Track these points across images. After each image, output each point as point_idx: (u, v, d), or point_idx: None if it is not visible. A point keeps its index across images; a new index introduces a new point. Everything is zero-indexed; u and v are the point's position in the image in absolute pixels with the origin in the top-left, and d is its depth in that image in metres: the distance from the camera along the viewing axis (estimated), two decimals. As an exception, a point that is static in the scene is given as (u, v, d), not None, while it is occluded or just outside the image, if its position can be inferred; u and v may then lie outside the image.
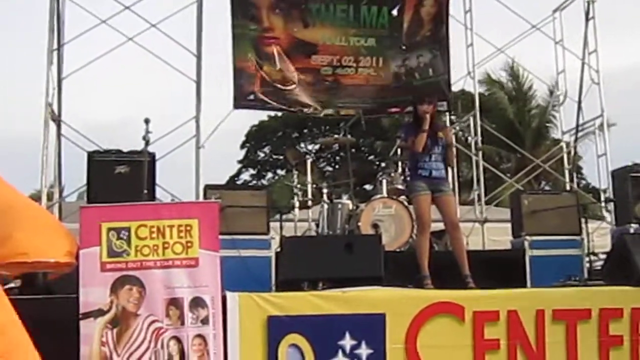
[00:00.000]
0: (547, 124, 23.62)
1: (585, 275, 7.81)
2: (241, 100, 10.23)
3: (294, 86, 10.42)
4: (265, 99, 10.33)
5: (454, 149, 8.21)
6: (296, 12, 10.53)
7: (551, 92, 21.69)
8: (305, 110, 10.75)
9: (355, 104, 10.66)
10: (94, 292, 5.41)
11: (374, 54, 10.70)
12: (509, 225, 8.80)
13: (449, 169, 8.28)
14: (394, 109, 11.04)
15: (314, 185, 9.24)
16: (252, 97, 10.27)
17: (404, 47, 10.78)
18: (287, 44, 10.47)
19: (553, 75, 12.30)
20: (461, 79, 11.32)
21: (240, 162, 30.69)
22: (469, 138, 11.69)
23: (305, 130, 29.92)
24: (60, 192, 9.81)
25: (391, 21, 10.76)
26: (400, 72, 10.78)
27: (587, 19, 10.71)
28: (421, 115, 7.32)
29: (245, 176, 30.56)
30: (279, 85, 10.36)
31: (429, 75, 10.76)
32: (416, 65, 10.77)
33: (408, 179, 8.02)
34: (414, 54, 10.78)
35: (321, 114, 10.77)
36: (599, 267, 8.12)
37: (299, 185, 9.14)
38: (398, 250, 8.16)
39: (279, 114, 29.49)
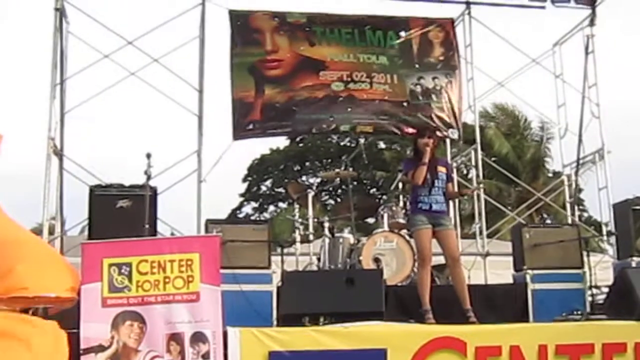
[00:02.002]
0: (544, 158, 23.76)
1: (588, 309, 7.79)
2: (240, 131, 10.00)
3: (302, 104, 10.22)
4: (266, 124, 10.14)
5: (455, 183, 8.21)
6: (301, 33, 10.41)
7: (542, 127, 22.19)
8: (314, 129, 10.61)
9: (371, 119, 10.43)
10: (95, 327, 5.42)
11: (388, 71, 10.51)
12: (510, 258, 8.78)
13: (450, 203, 8.27)
14: (410, 130, 10.46)
15: (316, 219, 9.21)
16: (251, 126, 10.05)
17: (417, 66, 10.64)
18: (293, 63, 10.28)
19: (548, 109, 12.26)
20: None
21: (242, 195, 30.74)
22: (471, 172, 11.66)
23: (307, 164, 30.00)
24: (62, 225, 9.79)
25: (399, 43, 10.64)
26: (417, 90, 10.57)
27: (586, 53, 10.77)
28: (421, 148, 7.35)
29: (247, 209, 30.61)
30: (283, 107, 10.14)
31: (445, 100, 10.62)
32: (432, 86, 10.59)
33: (409, 212, 8.02)
34: (429, 75, 10.62)
35: (335, 129, 10.57)
36: (601, 301, 8.10)
37: (300, 219, 9.14)
38: (399, 284, 8.13)
39: (281, 147, 29.85)
